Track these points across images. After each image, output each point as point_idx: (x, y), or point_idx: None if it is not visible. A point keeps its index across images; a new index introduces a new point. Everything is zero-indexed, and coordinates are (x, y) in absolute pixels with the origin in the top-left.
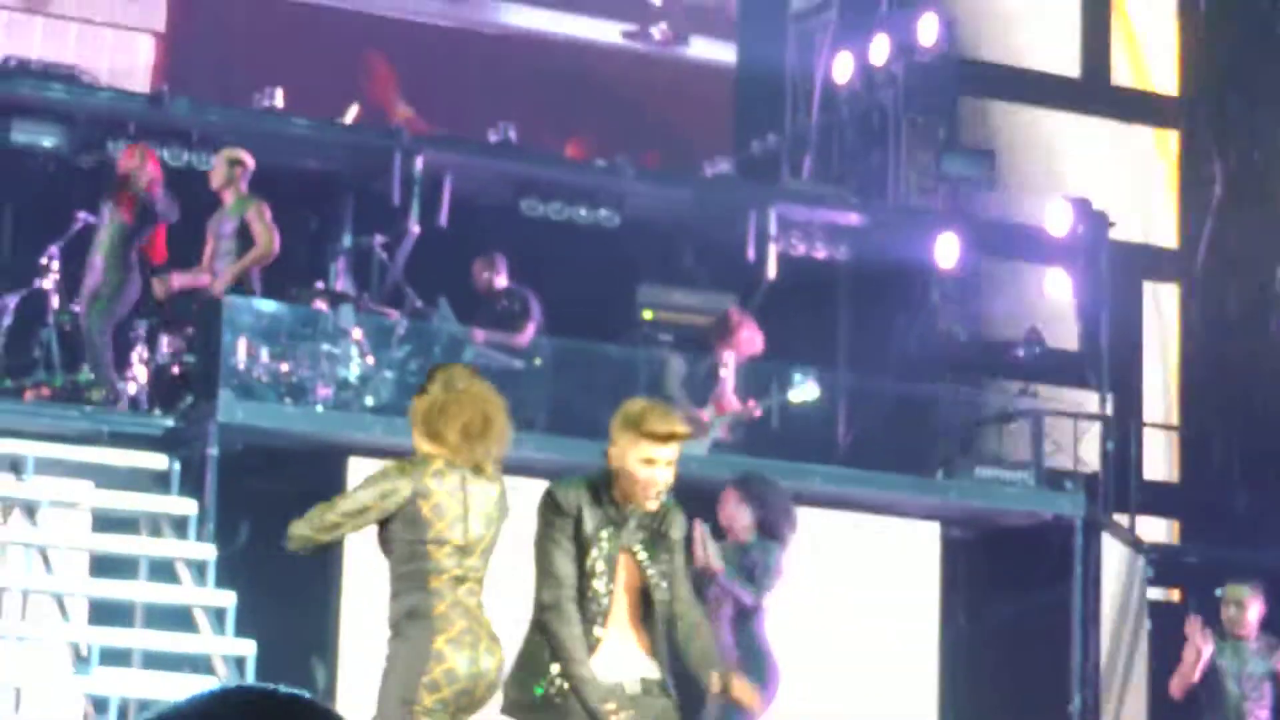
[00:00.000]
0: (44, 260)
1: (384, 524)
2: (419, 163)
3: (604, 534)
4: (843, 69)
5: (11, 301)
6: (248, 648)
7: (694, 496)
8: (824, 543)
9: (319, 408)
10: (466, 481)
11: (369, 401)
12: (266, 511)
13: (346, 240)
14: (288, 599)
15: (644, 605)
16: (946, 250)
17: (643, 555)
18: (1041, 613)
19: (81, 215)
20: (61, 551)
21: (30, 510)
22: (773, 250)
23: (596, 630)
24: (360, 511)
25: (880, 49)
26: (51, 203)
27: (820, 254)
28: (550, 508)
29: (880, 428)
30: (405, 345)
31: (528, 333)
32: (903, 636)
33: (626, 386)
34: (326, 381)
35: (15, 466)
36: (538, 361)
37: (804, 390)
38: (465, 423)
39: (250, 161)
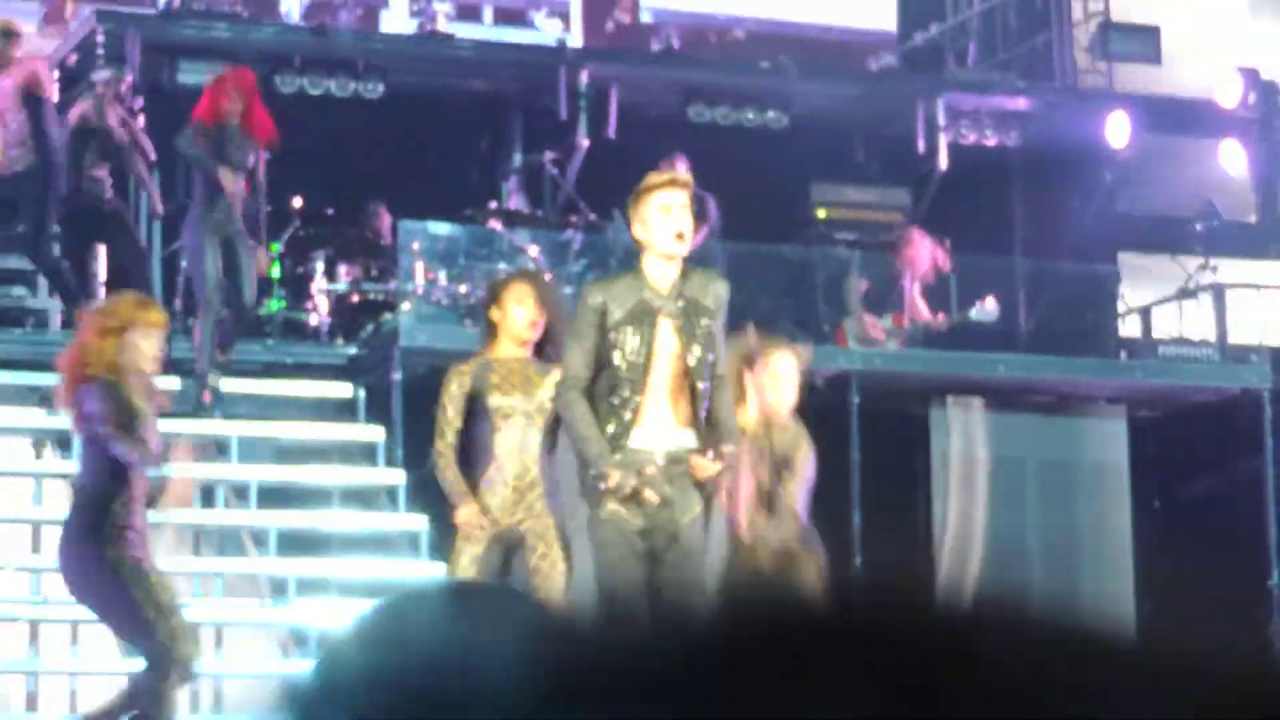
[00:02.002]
0: None
1: None
2: (584, 76)
3: (635, 318)
4: None
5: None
6: (443, 571)
7: (877, 389)
8: (1013, 432)
9: None
10: None
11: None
12: None
13: (517, 159)
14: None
15: (686, 376)
16: (1117, 129)
17: (680, 325)
18: (1234, 488)
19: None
20: (254, 485)
21: (221, 446)
22: (943, 141)
23: (632, 408)
24: None
25: None
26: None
27: (990, 141)
28: (579, 304)
29: (1060, 312)
30: (582, 259)
31: (698, 236)
32: (1096, 519)
33: (803, 287)
34: None
35: (202, 403)
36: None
37: (984, 310)
38: None
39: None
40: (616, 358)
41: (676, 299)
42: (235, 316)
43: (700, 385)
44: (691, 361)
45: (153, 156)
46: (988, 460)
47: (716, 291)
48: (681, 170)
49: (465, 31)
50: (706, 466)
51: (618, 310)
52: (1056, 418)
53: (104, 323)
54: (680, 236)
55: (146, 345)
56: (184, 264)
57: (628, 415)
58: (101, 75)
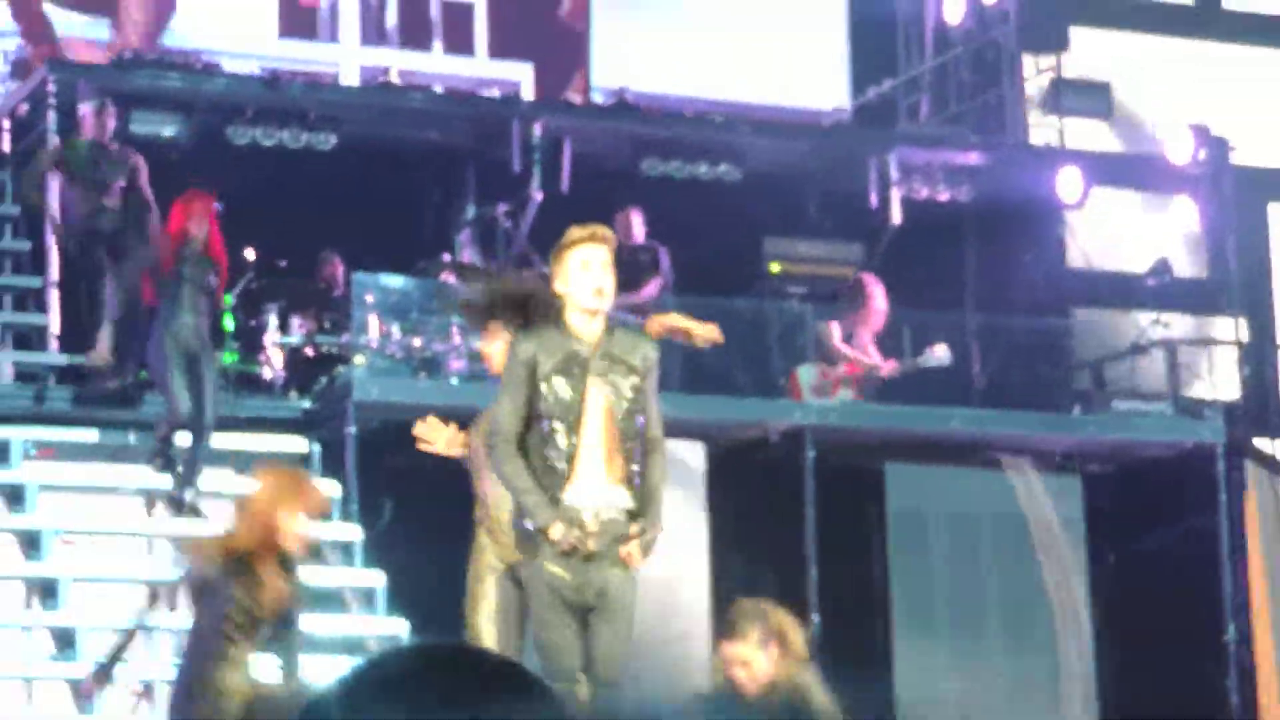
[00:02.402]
0: None
1: None
2: (537, 129)
3: (564, 369)
4: (954, 9)
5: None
6: (400, 627)
7: (834, 447)
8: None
9: (454, 380)
10: None
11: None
12: (408, 489)
13: (470, 211)
14: (436, 576)
15: (615, 433)
16: (1069, 184)
17: (610, 383)
18: (1188, 543)
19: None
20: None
21: (176, 502)
22: (895, 195)
23: (565, 460)
24: None
25: None
26: (175, 193)
27: (943, 196)
28: (509, 355)
29: (1014, 366)
30: None
31: (650, 288)
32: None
33: (757, 341)
34: (459, 354)
35: (154, 457)
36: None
37: (934, 356)
38: None
39: None
40: (546, 409)
41: (606, 358)
42: (194, 443)
43: (628, 444)
44: (619, 418)
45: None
46: (942, 516)
47: (644, 353)
48: (634, 227)
49: (419, 70)
50: (637, 557)
51: (547, 361)
52: (1009, 474)
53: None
54: (599, 292)
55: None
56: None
57: (561, 469)
58: (88, 106)
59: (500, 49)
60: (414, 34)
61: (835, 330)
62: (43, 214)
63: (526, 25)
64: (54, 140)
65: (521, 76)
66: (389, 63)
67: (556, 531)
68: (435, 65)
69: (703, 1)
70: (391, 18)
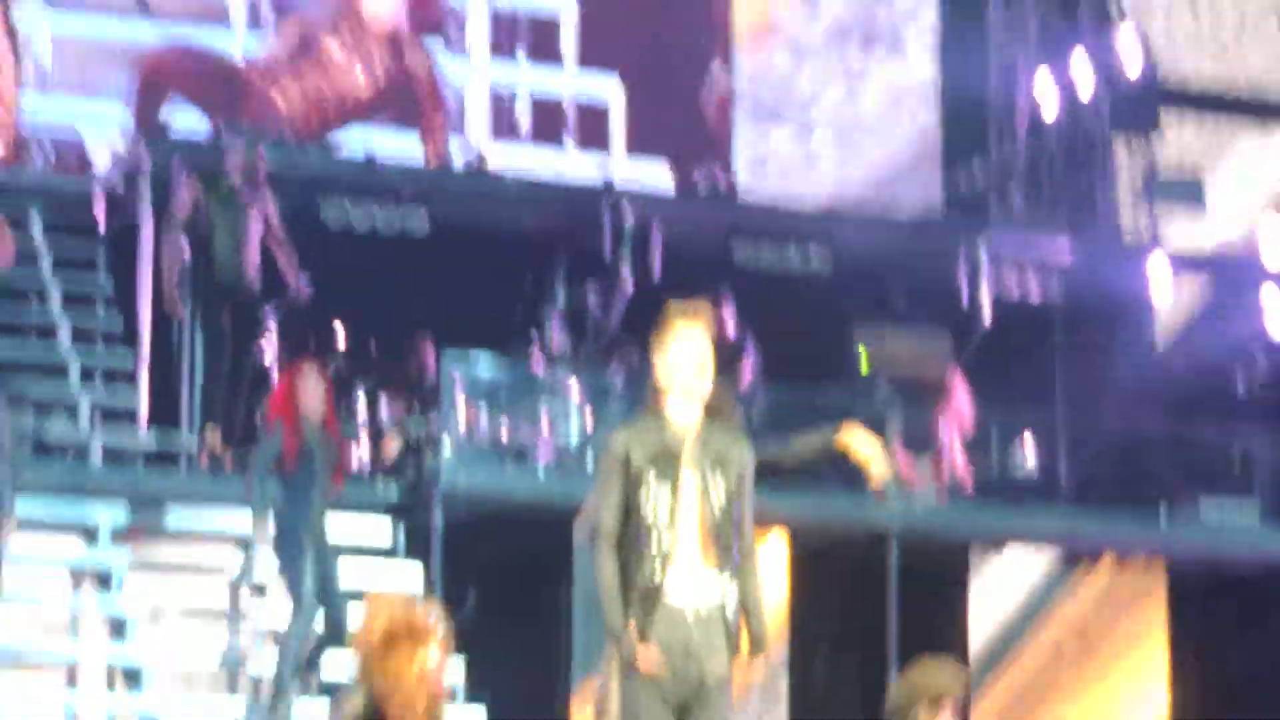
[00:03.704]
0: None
1: None
2: (629, 217)
3: (657, 463)
4: (1047, 98)
5: None
6: (479, 715)
7: (918, 547)
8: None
9: (541, 471)
10: None
11: (591, 462)
12: (493, 577)
13: (560, 297)
14: (518, 664)
15: (712, 528)
16: (1161, 282)
17: (705, 476)
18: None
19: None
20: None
21: (259, 587)
22: (985, 292)
23: (662, 556)
24: None
25: (1084, 76)
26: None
27: (1033, 292)
28: (604, 452)
29: (1102, 468)
30: (624, 401)
31: (744, 376)
32: (1130, 687)
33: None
34: (548, 444)
35: (240, 541)
36: (755, 411)
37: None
38: None
39: None
40: (643, 505)
41: (705, 450)
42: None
43: (724, 537)
44: (717, 514)
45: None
46: (1027, 615)
47: (741, 455)
48: (726, 316)
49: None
50: (759, 674)
51: (640, 455)
52: (1097, 574)
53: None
54: (702, 369)
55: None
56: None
57: (657, 567)
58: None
59: (637, 144)
60: (545, 129)
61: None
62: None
63: (664, 122)
64: (148, 216)
65: (660, 175)
66: (521, 160)
67: (628, 651)
68: (572, 162)
69: (818, 101)
70: (523, 111)
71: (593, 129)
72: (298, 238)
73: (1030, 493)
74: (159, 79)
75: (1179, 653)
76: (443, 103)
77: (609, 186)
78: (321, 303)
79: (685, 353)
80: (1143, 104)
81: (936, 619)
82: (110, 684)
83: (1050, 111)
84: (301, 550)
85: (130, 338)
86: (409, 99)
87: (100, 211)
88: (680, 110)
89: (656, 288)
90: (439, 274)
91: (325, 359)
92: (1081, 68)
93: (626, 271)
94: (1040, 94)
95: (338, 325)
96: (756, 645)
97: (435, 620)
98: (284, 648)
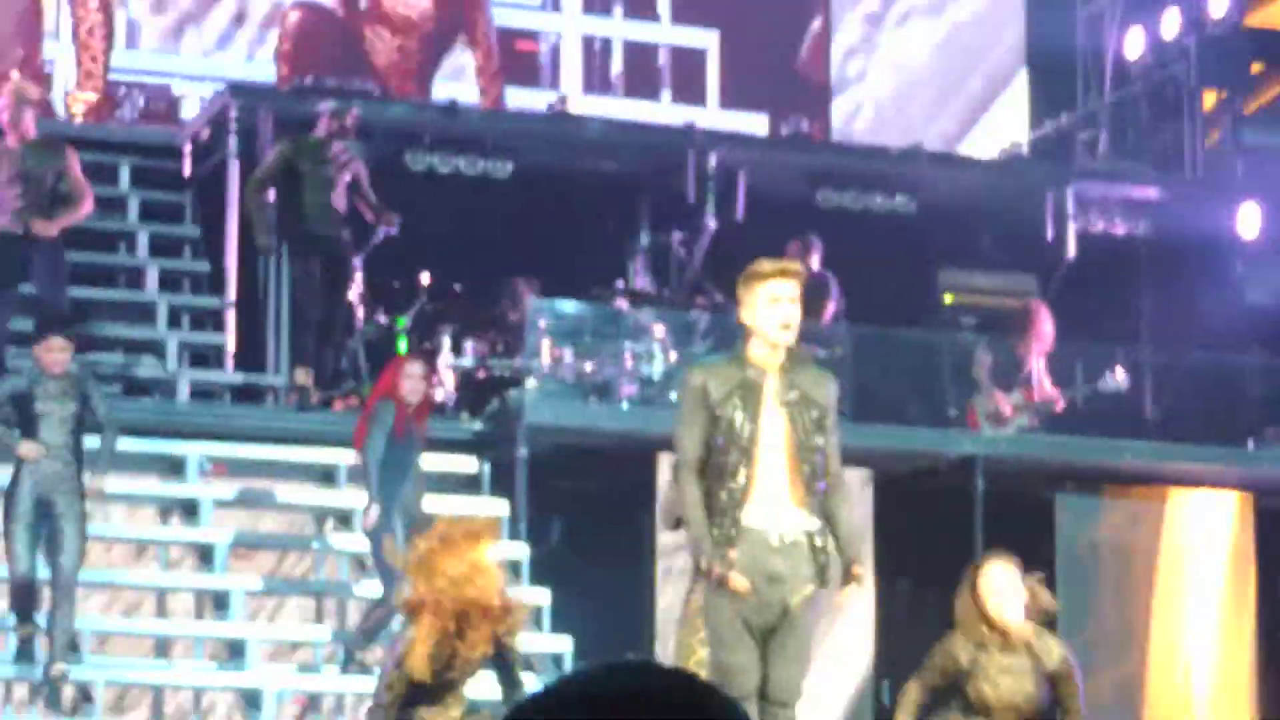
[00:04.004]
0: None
1: None
2: (713, 159)
3: (736, 396)
4: (1134, 45)
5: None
6: (564, 644)
7: (1003, 477)
8: (1138, 519)
9: (624, 405)
10: None
11: (673, 397)
12: (577, 510)
13: (644, 239)
14: (602, 596)
15: (796, 457)
16: (1248, 220)
17: (790, 411)
18: None
19: (381, 228)
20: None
21: (344, 518)
22: (1071, 229)
23: (740, 483)
24: None
25: (1171, 23)
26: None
27: (1119, 230)
28: (682, 387)
29: (1187, 402)
30: (707, 340)
31: (826, 314)
32: (1219, 613)
33: (930, 372)
34: (630, 380)
35: (328, 476)
36: (839, 350)
37: (1113, 380)
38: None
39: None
40: (722, 437)
41: (787, 387)
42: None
43: (808, 470)
44: (799, 446)
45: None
46: (1113, 548)
47: (828, 389)
48: (812, 256)
49: (596, 108)
50: (855, 591)
51: (718, 390)
52: (1182, 506)
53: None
54: (787, 326)
55: None
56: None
57: (738, 494)
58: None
59: (734, 98)
60: (639, 82)
61: (985, 360)
62: (258, 218)
63: (761, 74)
64: (234, 164)
65: (756, 127)
66: (615, 110)
67: (717, 570)
68: (666, 115)
69: (911, 48)
70: (617, 65)
71: (687, 83)
72: (384, 183)
73: (1117, 424)
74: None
75: (1269, 583)
76: (492, 45)
77: (691, 129)
78: (408, 247)
79: (774, 309)
80: (1231, 51)
81: (1023, 549)
82: (199, 612)
83: (1137, 57)
84: (391, 529)
85: (217, 283)
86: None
87: (187, 160)
88: (777, 63)
89: (740, 228)
90: (522, 217)
91: (429, 354)
92: (1170, 19)
93: (709, 213)
94: (1128, 41)
95: (424, 268)
96: (847, 572)
97: (488, 524)
98: (365, 618)
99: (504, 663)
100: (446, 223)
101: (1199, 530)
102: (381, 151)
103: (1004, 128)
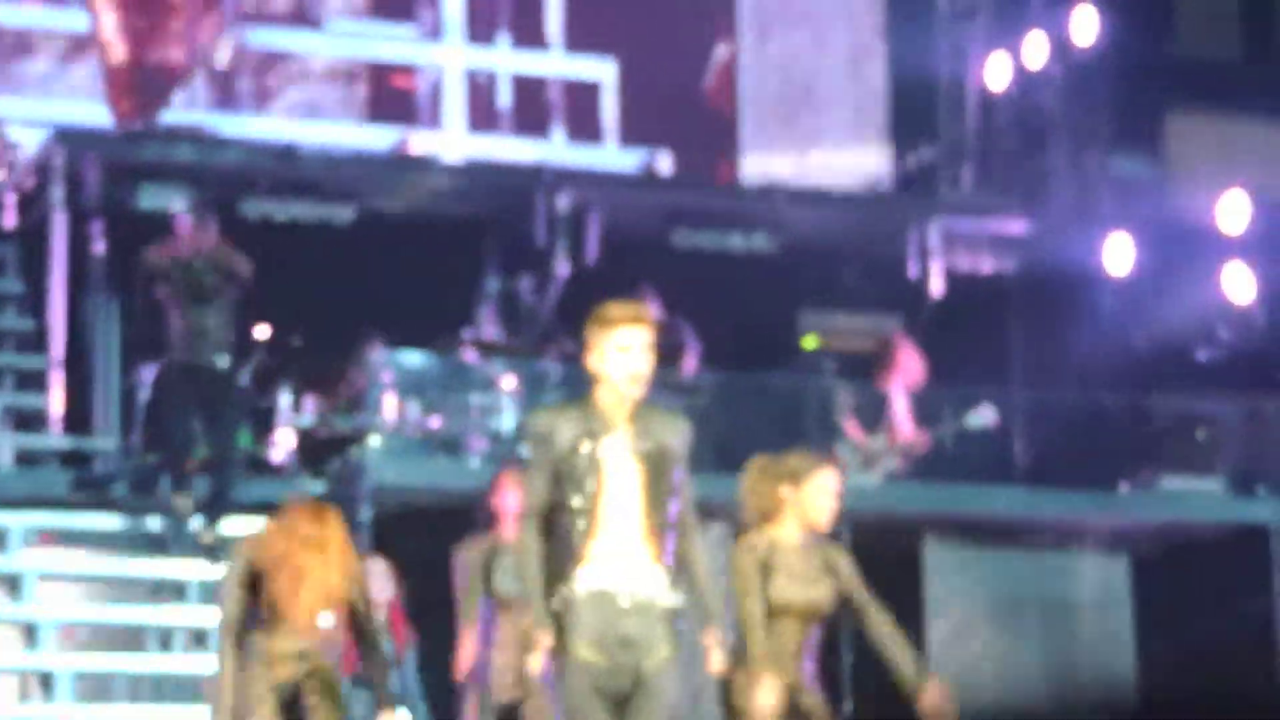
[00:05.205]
0: None
1: None
2: (562, 200)
3: (584, 445)
4: (998, 73)
5: (149, 374)
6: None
7: (870, 529)
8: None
9: (474, 462)
10: None
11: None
12: (426, 576)
13: (492, 285)
14: (451, 663)
15: (647, 514)
16: (1118, 254)
17: (639, 460)
18: (1242, 629)
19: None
20: (211, 632)
21: (179, 589)
22: (937, 266)
23: (586, 539)
24: None
25: (1036, 49)
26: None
27: (986, 267)
28: (528, 433)
29: (1060, 444)
30: (560, 391)
31: (688, 365)
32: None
33: (794, 417)
34: (480, 434)
35: (158, 544)
36: (699, 400)
37: (981, 416)
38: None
39: None
40: (568, 488)
41: (637, 435)
42: None
43: (660, 523)
44: (650, 497)
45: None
46: (985, 600)
47: (681, 435)
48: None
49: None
50: (718, 661)
51: (565, 437)
52: (1056, 555)
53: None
54: (636, 380)
55: None
56: None
57: (586, 552)
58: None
59: (635, 133)
60: (528, 118)
61: (848, 404)
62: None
63: (664, 107)
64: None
65: (660, 164)
66: (501, 150)
67: (544, 642)
68: (557, 153)
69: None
70: (505, 98)
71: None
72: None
73: (985, 470)
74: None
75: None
76: None
77: (540, 168)
78: (244, 299)
79: (623, 358)
80: (1100, 79)
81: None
82: (23, 694)
83: (1001, 88)
84: None
85: (41, 341)
86: None
87: (10, 211)
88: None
89: (592, 272)
90: (364, 264)
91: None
92: (1036, 45)
93: (561, 257)
94: (991, 70)
95: (261, 321)
96: (709, 625)
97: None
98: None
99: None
100: (284, 272)
101: (1076, 580)
102: (215, 199)
103: (864, 161)
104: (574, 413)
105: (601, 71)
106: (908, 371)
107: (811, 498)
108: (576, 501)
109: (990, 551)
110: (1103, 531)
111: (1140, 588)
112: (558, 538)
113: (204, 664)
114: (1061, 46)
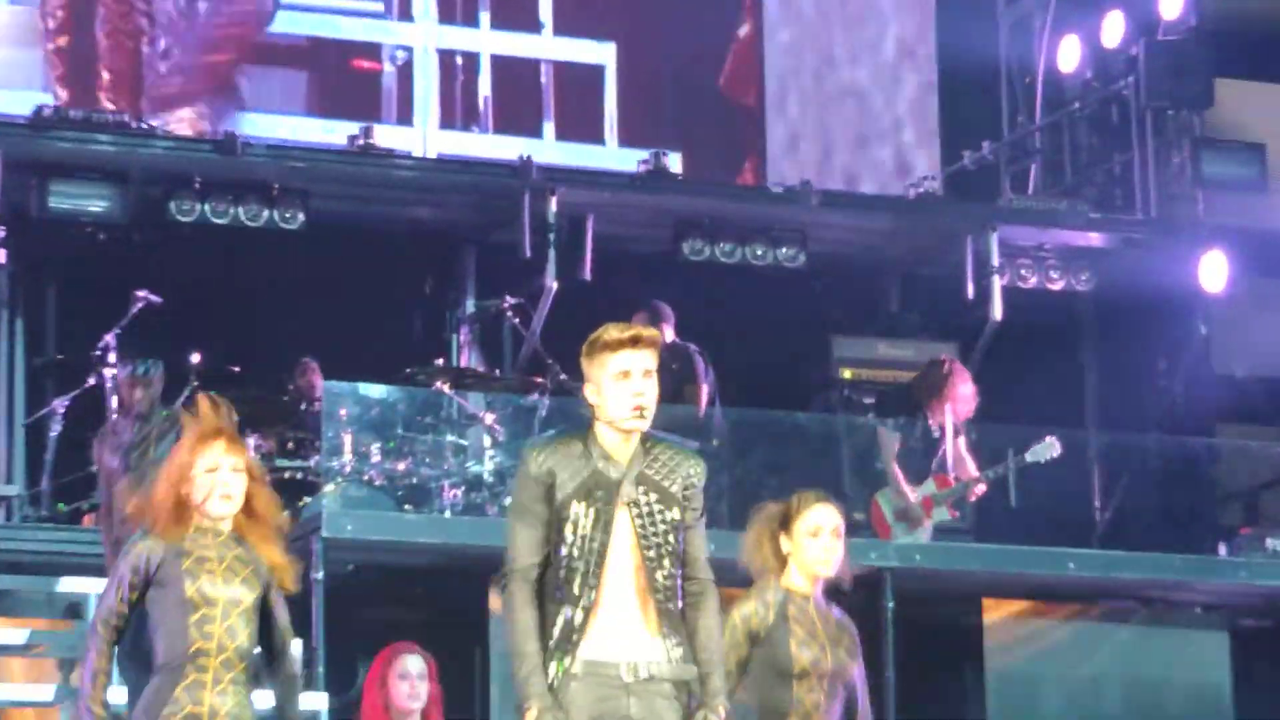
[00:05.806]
0: (98, 352)
1: None
2: (553, 204)
3: (585, 493)
4: (1069, 56)
5: (61, 406)
6: None
7: (917, 591)
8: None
9: (447, 513)
10: None
11: (509, 502)
12: (387, 641)
13: (470, 304)
14: None
15: (654, 572)
16: (1212, 271)
17: (645, 514)
18: None
19: (142, 294)
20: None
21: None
22: (997, 284)
23: (585, 604)
24: None
25: (1114, 28)
26: (105, 281)
27: (1056, 285)
28: (520, 473)
29: (1144, 497)
30: (548, 429)
31: (699, 400)
32: None
33: (825, 463)
34: (454, 481)
35: (76, 611)
36: (715, 442)
37: (1045, 449)
38: None
39: None
40: (568, 543)
41: (637, 480)
42: None
43: (665, 587)
44: (654, 557)
45: None
46: (1056, 679)
47: (688, 476)
48: (664, 327)
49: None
50: None
51: (569, 482)
52: (1141, 627)
53: None
54: (640, 411)
55: None
56: None
57: (581, 617)
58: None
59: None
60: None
61: (893, 446)
62: None
63: (672, 98)
64: None
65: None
66: (481, 147)
67: (533, 714)
68: (547, 151)
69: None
70: (485, 89)
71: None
72: (142, 240)
73: (1056, 526)
74: None
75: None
76: None
77: (526, 164)
78: (174, 318)
79: (624, 385)
80: (1189, 62)
81: (941, 680)
82: None
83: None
84: None
85: None
86: None
87: None
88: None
89: (588, 288)
90: (316, 279)
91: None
92: (1113, 23)
93: (551, 271)
94: (1062, 55)
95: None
96: (713, 703)
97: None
98: None
99: None
100: (222, 286)
101: (1165, 657)
102: (140, 199)
103: (909, 160)
104: (575, 451)
105: (600, 54)
106: (960, 399)
107: (803, 541)
108: (573, 560)
109: (1062, 622)
110: (1196, 600)
111: (1241, 665)
112: (547, 599)
113: None
114: (1145, 25)
